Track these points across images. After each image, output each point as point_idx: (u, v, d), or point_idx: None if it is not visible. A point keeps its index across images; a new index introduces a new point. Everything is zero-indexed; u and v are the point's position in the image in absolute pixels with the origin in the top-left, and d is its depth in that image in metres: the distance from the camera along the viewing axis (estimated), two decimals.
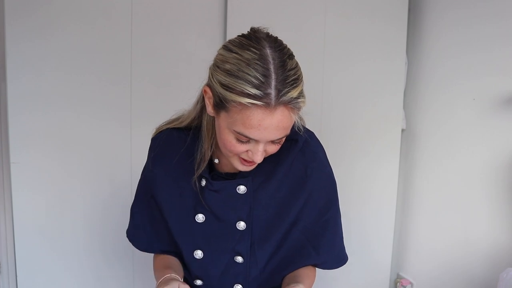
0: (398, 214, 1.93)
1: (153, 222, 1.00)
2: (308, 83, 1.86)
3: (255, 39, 0.78)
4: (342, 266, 1.03)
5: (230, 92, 0.75)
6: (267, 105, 0.74)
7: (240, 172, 0.92)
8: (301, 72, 0.80)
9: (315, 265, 0.98)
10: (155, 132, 1.01)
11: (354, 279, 1.89)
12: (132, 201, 1.05)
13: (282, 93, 0.74)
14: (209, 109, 0.84)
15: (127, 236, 1.05)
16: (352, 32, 1.76)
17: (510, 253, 1.44)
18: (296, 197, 0.92)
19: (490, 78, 1.51)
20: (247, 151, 0.82)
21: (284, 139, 0.85)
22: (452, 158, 1.69)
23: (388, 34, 1.78)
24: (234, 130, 0.79)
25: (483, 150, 1.55)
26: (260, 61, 0.74)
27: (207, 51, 1.71)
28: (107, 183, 1.70)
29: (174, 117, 1.01)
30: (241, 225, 0.92)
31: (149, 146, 1.01)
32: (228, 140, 0.82)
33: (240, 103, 0.74)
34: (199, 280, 0.97)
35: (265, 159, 0.90)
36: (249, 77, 0.73)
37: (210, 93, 0.81)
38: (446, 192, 1.72)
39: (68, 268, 1.70)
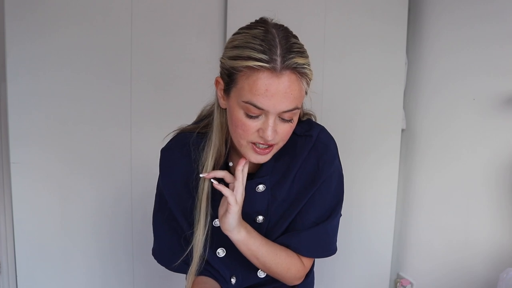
0: (398, 214, 1.93)
1: (175, 235, 0.99)
2: None
3: (261, 21, 0.84)
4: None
5: (238, 59, 0.78)
6: (273, 69, 0.76)
7: (257, 172, 0.93)
8: (306, 50, 0.82)
9: (297, 250, 0.97)
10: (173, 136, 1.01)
11: (354, 279, 1.89)
12: (152, 217, 1.03)
13: (287, 58, 0.77)
14: (221, 101, 0.86)
15: (153, 255, 1.03)
16: (352, 32, 1.77)
17: (510, 253, 1.44)
18: (308, 189, 0.94)
19: (490, 78, 1.51)
20: (258, 131, 0.82)
21: (295, 120, 0.84)
22: (452, 158, 1.69)
23: (388, 34, 1.78)
24: (242, 102, 0.79)
25: (483, 150, 1.55)
26: (265, 34, 0.79)
27: (207, 51, 1.73)
28: (107, 183, 1.70)
29: (196, 119, 1.02)
30: (260, 218, 0.95)
31: (159, 159, 1.00)
32: (238, 118, 0.81)
33: (247, 67, 0.77)
34: (233, 278, 0.99)
35: (281, 158, 0.92)
36: (255, 45, 0.77)
37: (221, 81, 0.85)
38: (446, 192, 1.72)
39: (68, 268, 1.70)
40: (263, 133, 0.81)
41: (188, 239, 0.95)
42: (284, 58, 0.77)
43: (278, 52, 0.77)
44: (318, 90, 1.76)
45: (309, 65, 0.81)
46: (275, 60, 0.76)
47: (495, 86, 1.49)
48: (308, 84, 0.82)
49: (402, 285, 1.89)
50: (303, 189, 0.94)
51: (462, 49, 1.63)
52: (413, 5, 1.83)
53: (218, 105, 0.89)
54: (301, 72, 0.79)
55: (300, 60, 0.78)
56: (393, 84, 1.82)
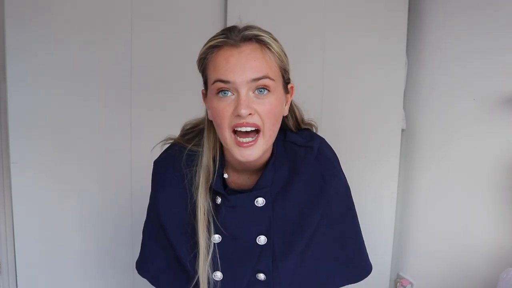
0: (398, 214, 1.93)
1: (163, 253, 0.94)
2: (308, 83, 1.85)
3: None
4: None
5: (202, 51, 0.81)
6: (232, 44, 0.77)
7: (256, 184, 0.87)
8: (272, 34, 0.82)
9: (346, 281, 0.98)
10: (163, 150, 0.96)
11: None
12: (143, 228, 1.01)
13: (246, 32, 0.78)
14: (208, 112, 0.84)
15: (136, 268, 0.99)
16: (352, 32, 1.76)
17: (510, 253, 1.44)
18: (314, 206, 0.88)
19: (491, 78, 1.51)
20: (233, 113, 0.77)
21: (274, 97, 0.79)
22: (452, 158, 1.69)
23: (388, 34, 1.78)
24: (212, 86, 0.79)
25: (483, 150, 1.55)
26: (228, 27, 0.82)
27: None
28: (107, 183, 1.70)
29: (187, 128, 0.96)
30: (262, 239, 0.87)
31: (152, 171, 0.95)
32: (214, 107, 0.79)
33: (209, 50, 0.79)
34: None
35: (281, 168, 0.87)
36: (216, 34, 0.81)
37: (204, 90, 0.85)
38: (446, 192, 1.72)
39: (68, 268, 1.70)
40: (238, 109, 0.76)
41: (181, 259, 0.89)
42: (242, 33, 0.78)
43: (237, 30, 0.79)
44: (318, 90, 1.77)
45: (274, 38, 0.80)
46: (234, 36, 0.77)
47: (495, 86, 1.48)
48: (276, 57, 0.79)
49: (402, 285, 1.89)
50: (308, 205, 0.88)
51: (463, 49, 1.63)
52: (413, 6, 1.83)
53: (207, 120, 0.87)
54: (263, 41, 0.78)
55: (260, 32, 0.78)
56: (393, 84, 1.82)
